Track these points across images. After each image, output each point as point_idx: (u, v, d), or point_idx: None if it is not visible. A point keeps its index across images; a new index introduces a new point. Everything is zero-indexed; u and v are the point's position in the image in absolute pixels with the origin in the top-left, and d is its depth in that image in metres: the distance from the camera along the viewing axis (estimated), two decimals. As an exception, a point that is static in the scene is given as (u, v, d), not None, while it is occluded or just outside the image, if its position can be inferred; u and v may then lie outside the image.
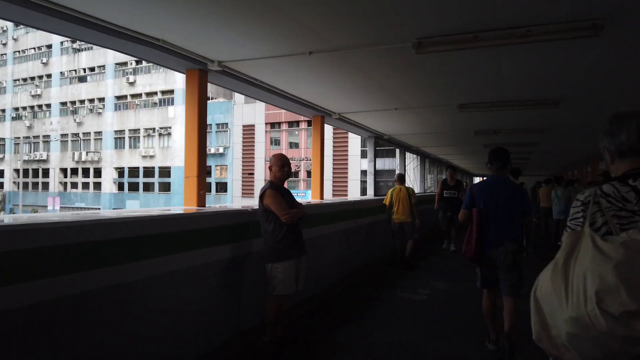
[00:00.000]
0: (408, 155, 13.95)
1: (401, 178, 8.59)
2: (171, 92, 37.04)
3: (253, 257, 4.19)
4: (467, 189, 4.20)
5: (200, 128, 4.62)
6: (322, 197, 7.38)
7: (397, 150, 13.12)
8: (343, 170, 31.15)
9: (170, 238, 3.29)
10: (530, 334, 1.59)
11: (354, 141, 29.57)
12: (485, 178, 4.78)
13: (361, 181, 28.18)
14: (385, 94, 6.26)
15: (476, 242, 3.74)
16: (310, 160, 31.68)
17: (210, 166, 35.53)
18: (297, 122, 33.13)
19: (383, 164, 30.23)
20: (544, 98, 6.25)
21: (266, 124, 33.82)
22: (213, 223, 3.81)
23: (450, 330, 4.66)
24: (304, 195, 29.87)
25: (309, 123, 33.85)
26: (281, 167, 4.09)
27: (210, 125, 34.98)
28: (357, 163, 30.00)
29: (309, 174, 31.67)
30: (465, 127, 9.12)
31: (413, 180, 16.08)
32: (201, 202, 4.60)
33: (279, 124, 33.98)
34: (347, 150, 31.05)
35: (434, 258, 9.17)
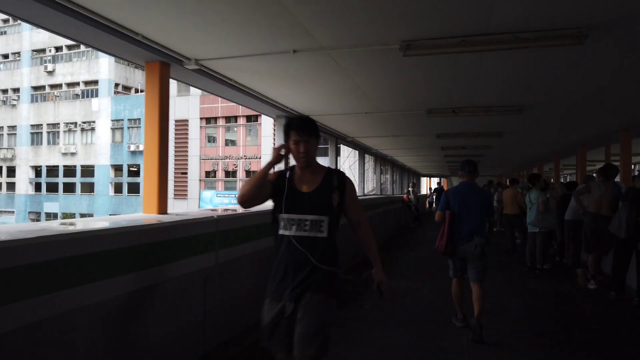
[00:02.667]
0: (344, 149, 13.85)
1: None
2: (95, 82, 35.23)
3: (220, 269, 4.03)
4: (443, 194, 4.97)
5: (162, 128, 4.40)
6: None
7: (344, 149, 13.34)
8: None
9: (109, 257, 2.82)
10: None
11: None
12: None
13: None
14: (361, 98, 6.52)
15: (447, 239, 4.66)
16: (250, 159, 31.73)
17: (138, 165, 34.23)
18: (235, 118, 32.36)
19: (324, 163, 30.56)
20: (510, 104, 6.86)
21: (201, 119, 32.51)
22: (176, 234, 3.48)
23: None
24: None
25: (248, 119, 33.00)
26: None
27: (138, 119, 33.71)
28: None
29: (248, 173, 31.27)
30: (429, 130, 9.65)
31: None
32: (162, 208, 4.41)
33: (216, 119, 32.61)
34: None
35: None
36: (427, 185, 40.10)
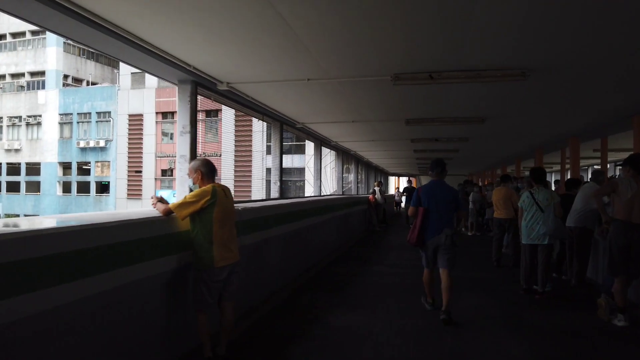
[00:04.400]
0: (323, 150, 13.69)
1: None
2: (42, 73, 34.90)
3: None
4: (415, 192, 5.83)
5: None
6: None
7: (310, 146, 13.72)
8: (246, 169, 29.05)
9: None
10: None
11: (259, 135, 28.23)
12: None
13: (266, 181, 28.56)
14: (352, 111, 8.29)
15: (418, 232, 5.53)
16: (210, 156, 31.54)
17: (89, 162, 34.05)
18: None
19: (292, 161, 31.15)
20: (474, 116, 8.64)
21: (157, 113, 32.12)
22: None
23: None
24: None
25: (207, 113, 32.84)
26: None
27: (89, 114, 33.51)
28: (261, 160, 30.37)
29: (207, 171, 31.35)
30: (405, 136, 11.69)
31: (330, 180, 16.98)
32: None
33: (173, 113, 31.43)
34: (250, 145, 28.40)
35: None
36: (396, 184, 39.62)
